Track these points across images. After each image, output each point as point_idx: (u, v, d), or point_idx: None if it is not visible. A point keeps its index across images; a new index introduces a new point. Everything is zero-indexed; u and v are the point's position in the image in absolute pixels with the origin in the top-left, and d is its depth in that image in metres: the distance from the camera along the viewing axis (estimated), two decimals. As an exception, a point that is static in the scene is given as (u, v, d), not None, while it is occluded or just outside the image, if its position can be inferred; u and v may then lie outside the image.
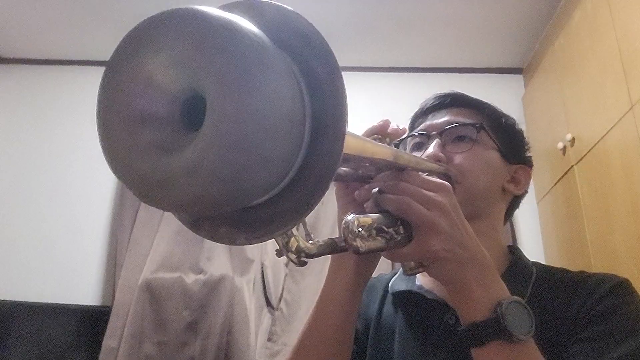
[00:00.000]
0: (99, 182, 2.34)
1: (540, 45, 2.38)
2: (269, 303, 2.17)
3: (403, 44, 2.49)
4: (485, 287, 0.53)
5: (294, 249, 0.46)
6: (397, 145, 0.67)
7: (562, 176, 1.96)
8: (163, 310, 2.06)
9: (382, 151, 0.54)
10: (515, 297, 0.53)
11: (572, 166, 1.86)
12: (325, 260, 0.62)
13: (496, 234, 0.78)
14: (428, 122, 0.80)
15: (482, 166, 0.75)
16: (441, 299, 0.71)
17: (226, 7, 0.38)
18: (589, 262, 1.70)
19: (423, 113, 0.83)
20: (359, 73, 2.59)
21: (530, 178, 0.82)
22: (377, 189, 0.54)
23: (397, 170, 0.56)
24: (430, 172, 0.65)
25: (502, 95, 1.87)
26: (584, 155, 1.76)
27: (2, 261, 2.32)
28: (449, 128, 0.77)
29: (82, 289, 2.26)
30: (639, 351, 0.57)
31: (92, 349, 2.07)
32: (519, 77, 2.60)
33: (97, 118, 0.37)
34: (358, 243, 0.48)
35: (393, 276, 0.82)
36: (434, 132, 0.77)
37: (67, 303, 2.21)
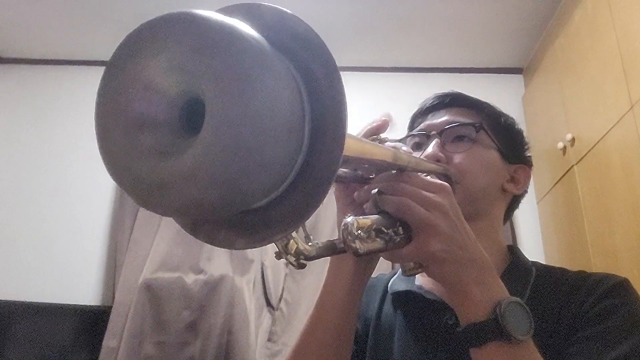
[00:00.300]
0: (99, 182, 2.34)
1: (540, 45, 2.38)
2: (269, 303, 2.17)
3: (403, 44, 2.49)
4: (484, 287, 0.53)
5: (293, 252, 0.46)
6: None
7: (562, 176, 1.96)
8: (163, 310, 2.06)
9: (382, 152, 0.54)
10: (514, 297, 0.53)
11: (572, 166, 1.86)
12: (326, 261, 0.62)
13: (496, 234, 0.78)
14: (427, 122, 0.80)
15: (481, 166, 0.76)
16: (441, 299, 0.71)
17: (225, 11, 0.38)
18: (589, 262, 1.70)
19: (422, 113, 0.83)
20: (359, 73, 2.59)
21: (530, 178, 0.82)
22: (376, 190, 0.54)
23: (397, 171, 0.56)
24: (430, 173, 0.65)
25: (502, 95, 1.88)
26: (584, 155, 1.76)
27: (2, 261, 2.32)
28: (448, 128, 0.77)
29: (82, 289, 2.26)
30: (638, 351, 0.57)
31: (92, 349, 2.07)
32: (519, 77, 2.60)
33: (95, 121, 0.37)
34: (357, 245, 0.48)
35: (392, 276, 0.82)
36: (433, 132, 0.77)
37: (67, 303, 2.21)
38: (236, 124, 0.31)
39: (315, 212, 0.38)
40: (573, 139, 1.83)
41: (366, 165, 0.56)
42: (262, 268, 2.20)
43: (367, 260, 0.65)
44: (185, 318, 2.04)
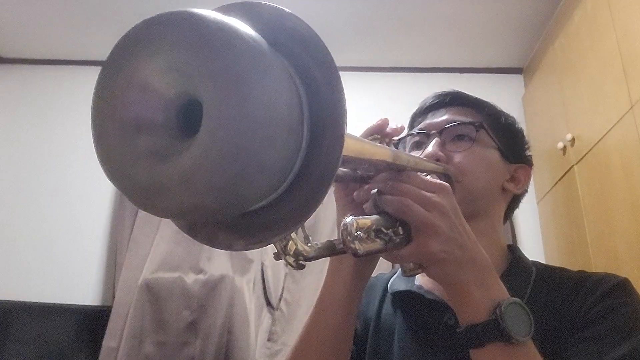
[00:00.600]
0: (99, 182, 2.33)
1: (540, 45, 2.38)
2: (269, 303, 2.17)
3: (403, 44, 2.49)
4: (484, 288, 0.53)
5: (292, 252, 0.46)
6: (396, 145, 0.67)
7: (562, 176, 1.96)
8: (163, 310, 2.06)
9: (381, 152, 0.54)
10: (515, 298, 0.53)
11: (572, 166, 1.86)
12: (326, 260, 0.62)
13: (496, 234, 0.77)
14: (427, 121, 0.80)
15: (481, 165, 0.75)
16: (440, 299, 0.71)
17: (223, 9, 0.38)
18: (589, 262, 1.70)
19: (422, 112, 0.83)
20: (359, 73, 2.59)
21: (530, 177, 0.82)
22: (376, 190, 0.54)
23: (396, 170, 0.56)
24: (430, 172, 0.65)
25: (502, 95, 1.87)
26: (584, 155, 1.76)
27: (2, 261, 2.32)
28: (448, 127, 0.77)
29: (82, 289, 2.26)
30: (638, 351, 0.57)
31: (92, 349, 2.07)
32: (519, 77, 2.60)
33: (92, 123, 0.37)
34: (356, 245, 0.47)
35: (392, 276, 0.82)
36: (433, 131, 0.77)
37: (67, 303, 2.21)
38: (234, 127, 0.31)
39: (314, 213, 0.37)
40: (573, 139, 1.83)
41: (366, 165, 0.56)
42: (262, 268, 2.20)
43: (367, 260, 0.65)
44: (185, 318, 2.04)
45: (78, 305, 2.22)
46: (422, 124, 0.80)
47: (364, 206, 0.56)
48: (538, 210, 2.26)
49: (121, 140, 0.35)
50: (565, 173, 1.93)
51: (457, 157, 0.74)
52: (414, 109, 0.86)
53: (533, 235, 2.25)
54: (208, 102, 0.32)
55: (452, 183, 0.69)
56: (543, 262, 0.79)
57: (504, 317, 0.50)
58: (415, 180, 0.55)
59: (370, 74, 2.63)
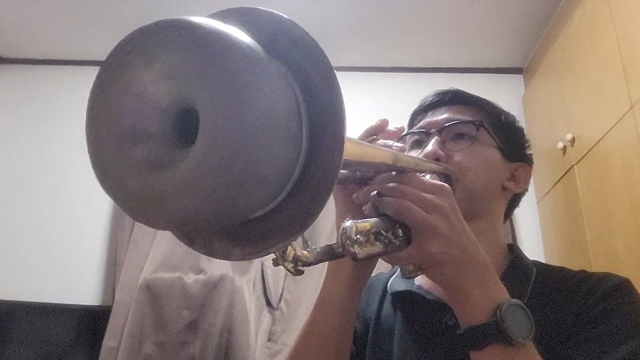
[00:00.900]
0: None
1: (540, 45, 2.38)
2: (269, 303, 2.17)
3: (403, 44, 2.49)
4: (485, 289, 0.53)
5: (290, 258, 0.45)
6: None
7: (562, 176, 1.96)
8: (163, 310, 2.06)
9: (381, 154, 0.54)
10: (515, 299, 0.53)
11: (572, 166, 1.86)
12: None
13: (496, 233, 0.77)
14: (427, 120, 0.79)
15: (481, 164, 0.75)
16: (440, 299, 0.71)
17: (220, 15, 0.37)
18: (589, 262, 1.70)
19: (422, 110, 0.82)
20: (359, 73, 2.59)
21: (531, 176, 0.82)
22: (375, 192, 0.54)
23: (396, 172, 0.56)
24: (430, 172, 0.65)
25: (502, 95, 1.87)
26: (584, 155, 1.76)
27: (2, 261, 2.32)
28: (448, 125, 0.76)
29: (82, 289, 2.26)
30: (639, 352, 0.57)
31: (92, 349, 2.07)
32: (519, 77, 2.60)
33: (86, 132, 0.36)
34: (356, 249, 0.47)
35: (392, 275, 0.82)
36: (433, 130, 0.77)
37: (67, 303, 2.21)
38: (231, 137, 0.30)
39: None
40: (573, 139, 1.83)
41: (365, 168, 0.56)
42: (262, 268, 2.20)
43: (367, 261, 0.65)
44: (185, 318, 2.04)
45: (78, 305, 2.22)
46: (422, 122, 0.80)
47: (363, 208, 0.56)
48: (538, 210, 2.26)
49: (116, 149, 0.35)
50: (565, 173, 1.93)
51: (457, 156, 0.74)
52: (414, 108, 0.85)
53: (533, 235, 2.25)
54: (204, 111, 0.31)
55: (452, 183, 0.69)
56: (543, 262, 0.78)
57: (504, 319, 0.50)
58: (414, 181, 0.54)
59: (370, 74, 2.63)
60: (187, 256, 2.16)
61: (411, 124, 0.84)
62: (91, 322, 2.17)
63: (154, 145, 0.35)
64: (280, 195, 0.36)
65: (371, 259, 0.63)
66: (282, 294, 2.19)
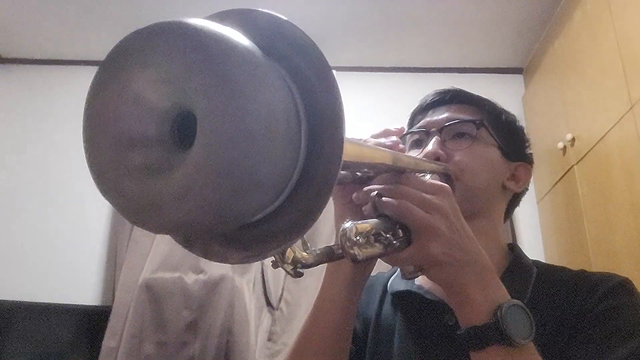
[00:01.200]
0: (99, 182, 2.33)
1: (540, 45, 2.38)
2: (269, 303, 2.17)
3: (403, 44, 2.49)
4: (485, 290, 0.52)
5: (290, 260, 0.44)
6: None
7: (562, 176, 1.96)
8: (163, 310, 2.06)
9: (380, 155, 0.54)
10: (515, 300, 0.52)
11: (572, 166, 1.86)
12: (326, 261, 0.62)
13: (496, 233, 0.77)
14: (427, 119, 0.79)
15: (482, 163, 0.75)
16: (440, 299, 0.71)
17: (218, 17, 0.36)
18: (589, 262, 1.70)
19: (422, 109, 0.82)
20: (359, 73, 2.59)
21: (531, 175, 0.81)
22: (375, 192, 0.53)
23: (396, 172, 0.55)
24: (430, 172, 0.65)
25: (502, 95, 1.87)
26: (584, 155, 1.76)
27: (2, 261, 2.32)
28: (448, 125, 0.76)
29: (82, 289, 2.26)
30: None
31: (92, 349, 2.07)
32: (519, 77, 2.60)
33: (84, 137, 0.36)
34: (356, 251, 0.47)
35: (392, 275, 0.82)
36: (433, 129, 0.77)
37: (67, 303, 2.21)
38: (229, 142, 0.30)
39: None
40: (573, 139, 1.83)
41: (365, 169, 0.55)
42: (262, 268, 2.20)
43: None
44: (185, 318, 2.04)
45: (78, 305, 2.22)
46: (422, 121, 0.80)
47: (363, 208, 0.55)
48: (538, 210, 2.26)
49: (113, 154, 0.34)
50: (565, 173, 1.93)
51: (458, 156, 0.74)
52: (413, 108, 0.85)
53: (533, 235, 2.25)
54: (202, 115, 0.31)
55: (452, 182, 0.69)
56: (543, 261, 0.78)
57: (504, 320, 0.50)
58: (414, 182, 0.54)
59: (370, 74, 2.63)
60: (187, 256, 2.16)
61: (411, 123, 0.84)
62: (91, 322, 2.17)
63: (151, 149, 0.34)
64: (279, 199, 0.36)
65: (371, 260, 0.63)
66: (282, 294, 2.19)
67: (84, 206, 2.39)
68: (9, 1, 2.26)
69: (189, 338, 2.01)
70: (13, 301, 2.21)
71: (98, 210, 2.38)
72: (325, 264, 0.66)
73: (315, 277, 2.13)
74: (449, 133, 0.76)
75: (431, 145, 0.74)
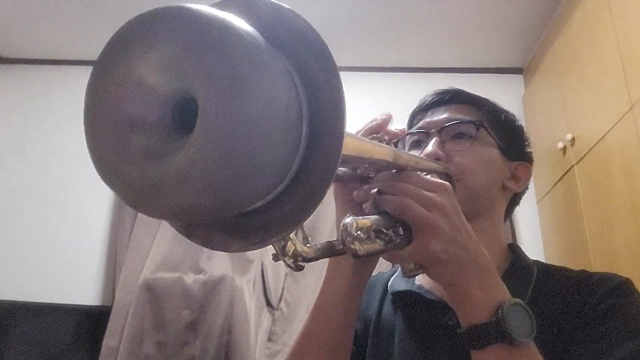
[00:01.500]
0: (99, 182, 2.32)
1: (540, 45, 2.38)
2: (269, 303, 2.17)
3: (403, 44, 2.49)
4: (486, 289, 0.52)
5: (290, 253, 0.44)
6: (396, 144, 0.67)
7: (562, 176, 1.96)
8: (163, 310, 2.06)
9: (381, 151, 0.53)
10: (516, 299, 0.52)
11: (572, 166, 1.86)
12: (326, 260, 0.61)
13: (496, 233, 0.77)
14: (427, 119, 0.79)
15: (482, 164, 0.75)
16: (441, 299, 0.71)
17: (220, 5, 0.37)
18: (589, 262, 1.70)
19: (422, 110, 0.82)
20: (359, 73, 2.59)
21: (531, 174, 0.81)
22: (376, 189, 0.53)
23: (397, 170, 0.55)
24: (430, 172, 0.65)
25: (502, 95, 1.87)
26: (584, 155, 1.76)
27: (2, 261, 2.32)
28: (448, 125, 0.76)
29: (82, 289, 2.26)
30: None
31: (92, 349, 2.07)
32: (519, 77, 2.60)
33: (84, 122, 0.36)
34: (356, 246, 0.47)
35: (392, 275, 0.82)
36: (433, 130, 0.76)
37: (67, 303, 2.21)
38: (230, 126, 0.30)
39: (316, 211, 0.37)
40: (573, 139, 1.83)
41: (366, 165, 0.55)
42: (262, 268, 2.20)
43: (367, 260, 0.64)
44: (185, 318, 2.04)
45: (78, 305, 2.22)
46: (421, 122, 0.80)
47: (364, 206, 0.55)
48: (538, 210, 2.26)
49: (114, 139, 0.34)
50: (565, 173, 1.93)
51: (458, 156, 0.74)
52: (413, 108, 0.85)
53: (533, 235, 2.25)
54: (203, 100, 0.31)
55: (453, 182, 0.69)
56: (543, 261, 0.78)
57: (505, 319, 0.50)
58: (415, 179, 0.54)
59: (370, 74, 2.63)
60: (187, 256, 2.16)
61: (410, 124, 0.84)
62: (91, 322, 2.17)
63: (152, 134, 0.34)
64: (280, 186, 0.36)
65: (372, 257, 0.63)
66: (282, 294, 2.19)
67: (84, 206, 2.39)
68: (9, 1, 2.26)
69: (189, 338, 2.01)
70: (13, 301, 2.21)
71: (98, 210, 2.38)
72: (326, 262, 0.66)
73: (316, 277, 2.13)
74: (449, 133, 0.76)
75: (431, 146, 0.74)
